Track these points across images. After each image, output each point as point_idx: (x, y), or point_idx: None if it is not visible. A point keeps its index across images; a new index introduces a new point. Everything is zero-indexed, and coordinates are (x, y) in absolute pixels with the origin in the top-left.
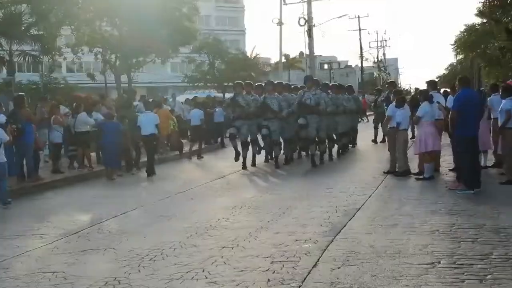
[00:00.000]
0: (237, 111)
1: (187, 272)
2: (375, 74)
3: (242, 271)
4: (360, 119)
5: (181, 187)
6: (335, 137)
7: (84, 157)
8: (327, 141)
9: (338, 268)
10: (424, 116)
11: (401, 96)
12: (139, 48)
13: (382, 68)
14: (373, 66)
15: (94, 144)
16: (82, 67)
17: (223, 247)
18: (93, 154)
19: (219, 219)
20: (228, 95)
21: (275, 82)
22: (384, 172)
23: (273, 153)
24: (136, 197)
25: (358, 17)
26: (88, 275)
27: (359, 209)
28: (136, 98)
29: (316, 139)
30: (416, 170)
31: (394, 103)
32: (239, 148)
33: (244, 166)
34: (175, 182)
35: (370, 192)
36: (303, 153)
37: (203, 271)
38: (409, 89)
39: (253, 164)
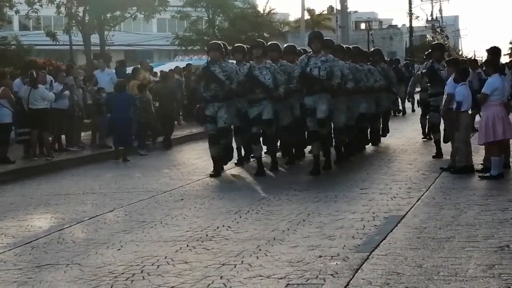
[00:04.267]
0: (212, 88)
1: None
2: (429, 37)
3: None
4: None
5: (167, 185)
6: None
7: (41, 142)
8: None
9: None
10: (493, 94)
11: (461, 68)
12: None
13: (438, 29)
14: (425, 27)
15: (52, 125)
16: (40, 23)
17: (223, 265)
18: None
19: (218, 227)
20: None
21: (270, 43)
22: (440, 169)
23: (254, 152)
24: (108, 196)
25: None
26: None
27: (403, 216)
28: (110, 65)
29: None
30: (481, 166)
31: (452, 77)
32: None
33: (217, 172)
34: (160, 177)
35: (418, 195)
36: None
37: None
38: (473, 58)
39: (236, 163)
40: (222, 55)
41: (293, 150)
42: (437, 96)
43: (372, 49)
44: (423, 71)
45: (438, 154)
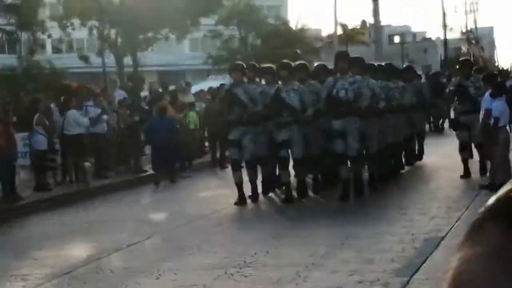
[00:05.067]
0: (236, 110)
1: None
2: (463, 49)
3: None
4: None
5: (204, 209)
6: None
7: (76, 169)
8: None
9: None
10: None
11: (498, 83)
12: (148, 20)
13: (473, 41)
14: (460, 39)
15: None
16: (72, 46)
17: None
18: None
19: (255, 253)
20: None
21: (298, 63)
22: (479, 186)
23: (282, 178)
24: (145, 222)
25: None
26: None
27: (443, 237)
28: (144, 87)
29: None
30: None
31: (488, 92)
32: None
33: (242, 200)
34: (196, 202)
35: (458, 214)
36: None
37: None
38: (510, 70)
39: (254, 197)
40: (242, 76)
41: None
42: (467, 113)
43: (404, 66)
44: (451, 88)
45: (466, 174)
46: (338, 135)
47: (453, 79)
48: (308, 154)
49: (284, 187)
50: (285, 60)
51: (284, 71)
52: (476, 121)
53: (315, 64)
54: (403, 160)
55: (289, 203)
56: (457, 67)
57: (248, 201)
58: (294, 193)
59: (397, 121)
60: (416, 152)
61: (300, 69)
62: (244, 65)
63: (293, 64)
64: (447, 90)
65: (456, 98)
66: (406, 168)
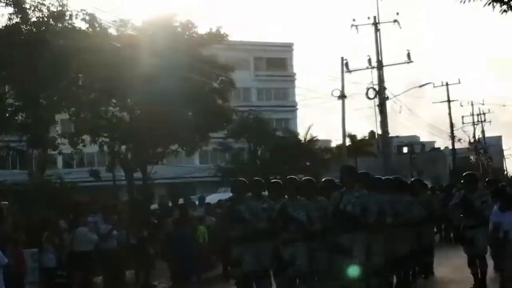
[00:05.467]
0: (238, 228)
1: None
2: (472, 159)
3: None
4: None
5: None
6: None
7: (85, 285)
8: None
9: None
10: None
11: (507, 196)
12: (158, 136)
13: (481, 151)
14: (468, 148)
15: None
16: (83, 161)
17: None
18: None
19: None
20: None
21: (304, 179)
22: None
23: None
24: None
25: (447, 84)
26: None
27: None
28: (153, 200)
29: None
30: None
31: (497, 205)
32: None
33: None
34: None
35: None
36: None
37: None
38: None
39: None
40: (244, 193)
41: None
42: (471, 228)
43: (411, 180)
44: (456, 201)
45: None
46: (346, 254)
47: (457, 193)
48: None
49: None
50: (291, 176)
51: (290, 187)
52: (479, 234)
53: (323, 179)
54: (413, 273)
55: None
56: (462, 181)
57: None
58: None
59: (405, 235)
60: (425, 266)
61: (306, 185)
62: (246, 181)
63: (300, 178)
64: (451, 204)
65: (461, 212)
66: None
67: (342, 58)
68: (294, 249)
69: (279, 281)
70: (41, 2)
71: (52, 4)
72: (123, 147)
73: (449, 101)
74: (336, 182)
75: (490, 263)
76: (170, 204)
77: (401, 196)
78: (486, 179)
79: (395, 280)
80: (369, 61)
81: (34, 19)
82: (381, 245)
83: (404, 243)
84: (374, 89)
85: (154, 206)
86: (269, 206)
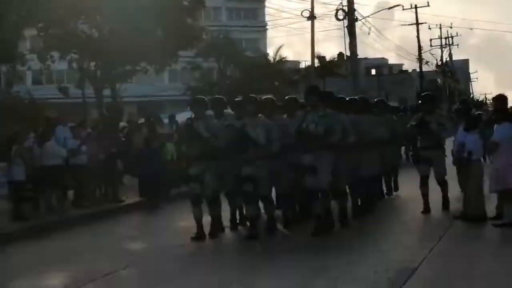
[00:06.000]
0: (195, 146)
1: None
2: (439, 81)
3: None
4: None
5: (180, 239)
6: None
7: (54, 199)
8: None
9: None
10: (503, 141)
11: (472, 116)
12: (127, 54)
13: (448, 74)
14: (436, 71)
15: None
16: (52, 78)
17: None
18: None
19: (231, 283)
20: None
21: (265, 97)
22: (453, 217)
23: (247, 212)
24: (123, 251)
25: (416, 7)
26: None
27: (416, 268)
28: (122, 118)
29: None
30: (494, 214)
31: (461, 125)
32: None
33: (201, 236)
34: (172, 232)
35: (431, 245)
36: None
37: None
38: (484, 102)
39: (214, 234)
40: (204, 110)
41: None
42: (427, 149)
43: (375, 100)
44: (413, 123)
45: (426, 209)
46: (309, 171)
47: (416, 115)
48: (276, 190)
49: (248, 223)
50: (251, 95)
51: (250, 106)
52: (438, 157)
53: (285, 97)
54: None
55: (252, 239)
56: (419, 101)
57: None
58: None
59: (369, 155)
60: (390, 187)
61: (267, 103)
62: (206, 99)
63: (267, 97)
64: (408, 125)
65: (418, 133)
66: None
67: None
68: (254, 169)
69: (234, 200)
70: None
71: None
72: (92, 64)
73: (417, 23)
74: (299, 101)
75: (452, 183)
76: (139, 122)
77: (365, 116)
78: (461, 99)
79: (358, 201)
80: None
81: None
82: (344, 166)
83: (369, 163)
84: (344, 11)
85: (123, 124)
86: (230, 124)
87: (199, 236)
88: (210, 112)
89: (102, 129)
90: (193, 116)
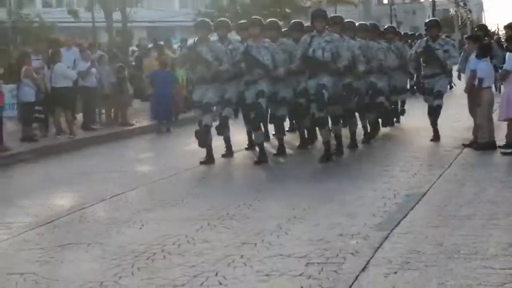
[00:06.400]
0: (199, 70)
1: (195, 276)
2: (451, 11)
3: (267, 275)
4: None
5: (189, 163)
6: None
7: (62, 121)
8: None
9: (395, 273)
10: None
11: (483, 44)
12: None
13: (461, 3)
14: (448, 0)
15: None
16: (62, 1)
17: (244, 243)
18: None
19: (239, 206)
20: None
21: (269, 20)
22: (462, 145)
23: (254, 139)
24: (130, 174)
25: None
26: (65, 277)
27: (425, 194)
28: (133, 42)
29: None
30: (503, 142)
31: (474, 53)
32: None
33: (210, 159)
34: (181, 155)
35: (440, 172)
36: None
37: (217, 274)
38: (496, 32)
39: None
40: (207, 33)
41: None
42: (432, 77)
43: (385, 27)
44: (418, 50)
45: (436, 137)
46: (315, 98)
47: (418, 41)
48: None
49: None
50: (255, 17)
51: (255, 28)
52: (439, 80)
53: (292, 21)
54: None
55: (261, 164)
56: (425, 28)
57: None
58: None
59: (378, 82)
60: (397, 115)
61: (272, 27)
62: (210, 22)
63: (272, 19)
64: (411, 52)
65: (422, 60)
66: (388, 128)
67: None
68: (258, 86)
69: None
70: None
71: None
72: None
73: None
74: (305, 25)
75: (463, 113)
76: (149, 46)
77: (376, 42)
78: (478, 25)
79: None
80: None
81: None
82: (352, 91)
83: (378, 89)
84: None
85: (132, 48)
86: (234, 47)
87: (208, 160)
88: (215, 37)
89: (113, 53)
90: (196, 39)
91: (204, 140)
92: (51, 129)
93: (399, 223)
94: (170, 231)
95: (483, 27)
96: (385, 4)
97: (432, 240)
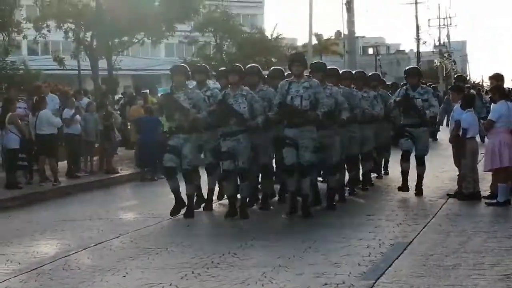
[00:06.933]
0: (176, 117)
1: None
2: (436, 62)
3: None
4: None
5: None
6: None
7: (46, 168)
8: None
9: None
10: (499, 121)
11: (467, 94)
12: (123, 25)
13: (445, 55)
14: (433, 52)
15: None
16: (48, 48)
17: None
18: (60, 164)
19: (223, 254)
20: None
21: (249, 66)
22: (447, 195)
23: (224, 191)
24: (115, 222)
25: None
26: None
27: (409, 243)
28: (118, 90)
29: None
30: (488, 192)
31: (458, 104)
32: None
33: (177, 209)
34: (166, 203)
35: (425, 221)
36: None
37: None
38: (481, 83)
39: (189, 213)
40: (185, 79)
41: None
42: (412, 126)
43: (369, 74)
44: (397, 99)
45: (404, 187)
46: (290, 144)
47: (400, 90)
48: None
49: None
50: (235, 64)
51: (233, 76)
52: (422, 133)
53: (271, 68)
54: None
55: (231, 217)
56: (404, 76)
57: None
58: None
59: (364, 132)
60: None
61: (252, 72)
62: (187, 67)
63: (252, 65)
64: (391, 101)
65: (401, 111)
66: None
67: None
68: (235, 143)
69: (213, 174)
70: None
71: None
72: (89, 34)
73: (416, 3)
74: (285, 72)
75: (448, 162)
76: (134, 94)
77: (362, 91)
78: (456, 76)
79: (347, 177)
80: None
81: None
82: (335, 139)
83: (364, 139)
84: None
85: (118, 96)
86: (213, 94)
87: (175, 210)
88: (193, 83)
89: (101, 100)
90: (173, 85)
91: (175, 183)
92: (35, 176)
93: (384, 272)
94: (154, 279)
95: (462, 78)
96: (370, 54)
97: None
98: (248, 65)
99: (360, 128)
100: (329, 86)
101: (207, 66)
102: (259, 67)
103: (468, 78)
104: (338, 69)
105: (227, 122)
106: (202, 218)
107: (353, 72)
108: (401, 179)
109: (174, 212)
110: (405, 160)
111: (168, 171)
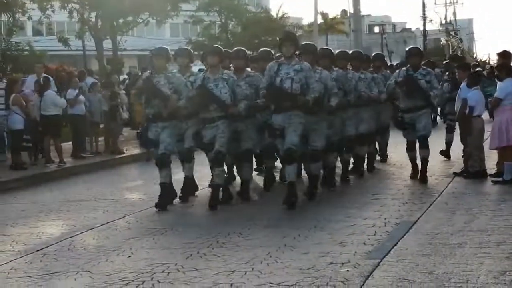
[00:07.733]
0: (155, 104)
1: None
2: (442, 40)
3: None
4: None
5: (179, 191)
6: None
7: (51, 149)
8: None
9: None
10: (506, 98)
11: (474, 72)
12: (128, 5)
13: (452, 33)
14: (439, 30)
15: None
16: (52, 28)
17: (233, 272)
18: (65, 145)
19: (229, 234)
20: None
21: (236, 49)
22: (453, 174)
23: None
24: (120, 202)
25: None
26: None
27: (415, 222)
28: (123, 70)
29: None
30: (494, 170)
31: (464, 82)
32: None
33: (162, 204)
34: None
35: (431, 200)
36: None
37: None
38: (487, 61)
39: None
40: (165, 62)
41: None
42: (414, 111)
43: (373, 54)
44: (399, 79)
45: (415, 174)
46: (280, 134)
47: (399, 71)
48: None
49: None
50: (216, 45)
51: (213, 58)
52: (422, 116)
53: (260, 49)
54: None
55: (214, 209)
56: (406, 56)
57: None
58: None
59: (363, 114)
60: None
61: (238, 56)
62: (169, 50)
63: (239, 48)
64: (391, 81)
65: (404, 88)
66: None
67: None
68: (215, 130)
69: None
70: None
71: None
72: (93, 14)
73: None
74: (273, 54)
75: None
76: (139, 74)
77: (363, 73)
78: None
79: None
80: None
81: None
82: (323, 125)
83: (361, 121)
84: None
85: (123, 76)
86: (196, 79)
87: (162, 203)
88: (175, 67)
89: (105, 81)
90: (153, 70)
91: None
92: (41, 158)
93: (389, 251)
94: (159, 259)
95: (457, 58)
96: (376, 33)
97: (422, 268)
98: (235, 48)
99: (355, 111)
100: (318, 70)
101: (190, 50)
102: (245, 50)
103: (474, 56)
104: (331, 49)
105: (207, 108)
106: (206, 199)
107: (350, 52)
108: (408, 162)
109: (160, 205)
110: (410, 150)
111: (158, 164)
